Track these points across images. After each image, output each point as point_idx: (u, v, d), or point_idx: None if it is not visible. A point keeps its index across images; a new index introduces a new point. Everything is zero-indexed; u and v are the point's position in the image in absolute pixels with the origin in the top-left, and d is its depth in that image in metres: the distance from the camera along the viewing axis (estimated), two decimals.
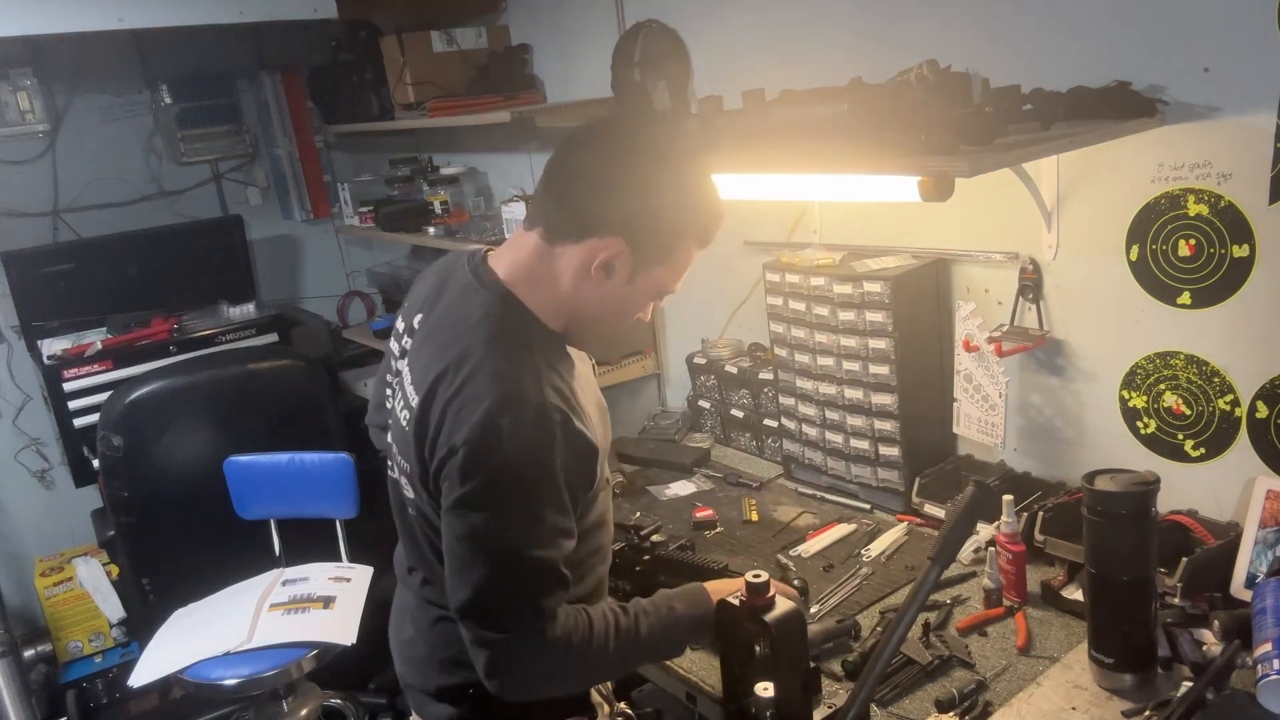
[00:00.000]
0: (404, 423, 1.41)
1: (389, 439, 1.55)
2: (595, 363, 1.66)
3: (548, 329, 1.40)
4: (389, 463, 1.57)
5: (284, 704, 2.72)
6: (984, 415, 2.14)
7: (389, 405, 1.55)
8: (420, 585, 1.56)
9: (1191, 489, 1.81)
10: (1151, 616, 1.48)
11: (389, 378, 1.57)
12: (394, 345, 1.55)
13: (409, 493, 1.46)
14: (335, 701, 3.05)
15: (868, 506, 2.23)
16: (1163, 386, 1.83)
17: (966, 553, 1.91)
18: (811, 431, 2.34)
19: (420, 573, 1.55)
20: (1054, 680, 1.55)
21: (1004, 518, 1.78)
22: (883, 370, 2.12)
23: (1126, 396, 1.89)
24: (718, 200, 1.40)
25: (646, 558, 1.90)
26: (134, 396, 2.97)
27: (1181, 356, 1.79)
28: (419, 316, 1.49)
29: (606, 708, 1.68)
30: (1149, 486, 1.45)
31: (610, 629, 1.37)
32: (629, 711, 1.72)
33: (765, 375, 2.52)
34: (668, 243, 1.37)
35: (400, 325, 1.55)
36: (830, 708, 1.49)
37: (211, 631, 2.59)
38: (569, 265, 1.37)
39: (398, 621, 1.69)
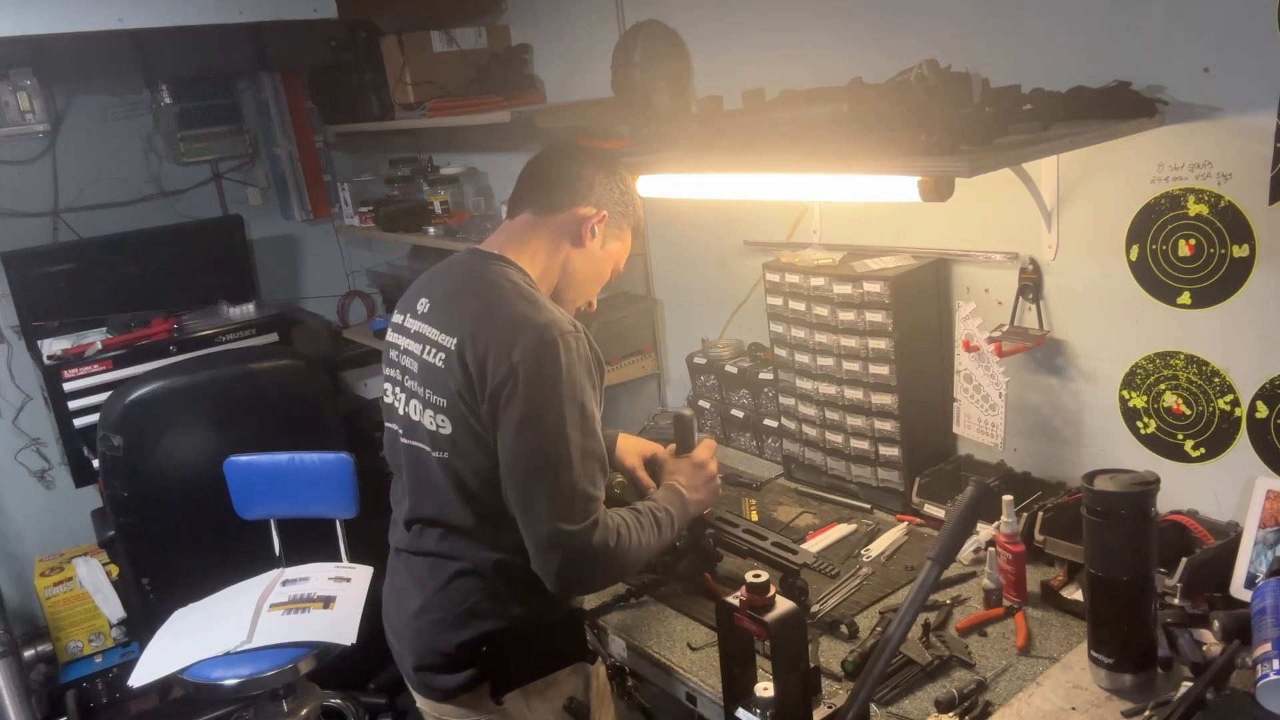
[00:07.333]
0: (437, 361, 1.57)
1: (399, 400, 1.66)
2: None
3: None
4: (397, 429, 1.67)
5: (284, 704, 2.73)
6: (984, 415, 2.14)
7: (395, 374, 1.67)
8: (439, 540, 1.63)
9: (1191, 489, 1.81)
10: (1151, 616, 1.48)
11: (392, 354, 1.69)
12: (395, 337, 1.70)
13: (445, 429, 1.55)
14: (335, 701, 3.05)
15: (868, 506, 2.23)
16: (1163, 386, 1.83)
17: (966, 553, 1.92)
18: (811, 431, 2.34)
19: (440, 526, 1.62)
20: (1054, 680, 1.55)
21: (1004, 518, 1.78)
22: (883, 370, 2.12)
23: (1126, 396, 1.89)
24: (642, 203, 1.83)
25: (710, 530, 1.97)
26: (134, 396, 2.97)
27: (1181, 356, 1.79)
28: (422, 300, 1.66)
29: (599, 657, 1.82)
30: (1149, 486, 1.45)
31: (635, 520, 1.60)
32: (617, 665, 1.94)
33: (765, 375, 2.52)
34: (622, 222, 1.75)
35: (398, 318, 1.71)
36: (830, 708, 1.49)
37: (211, 631, 2.59)
38: (560, 228, 1.68)
39: (399, 600, 1.71)
